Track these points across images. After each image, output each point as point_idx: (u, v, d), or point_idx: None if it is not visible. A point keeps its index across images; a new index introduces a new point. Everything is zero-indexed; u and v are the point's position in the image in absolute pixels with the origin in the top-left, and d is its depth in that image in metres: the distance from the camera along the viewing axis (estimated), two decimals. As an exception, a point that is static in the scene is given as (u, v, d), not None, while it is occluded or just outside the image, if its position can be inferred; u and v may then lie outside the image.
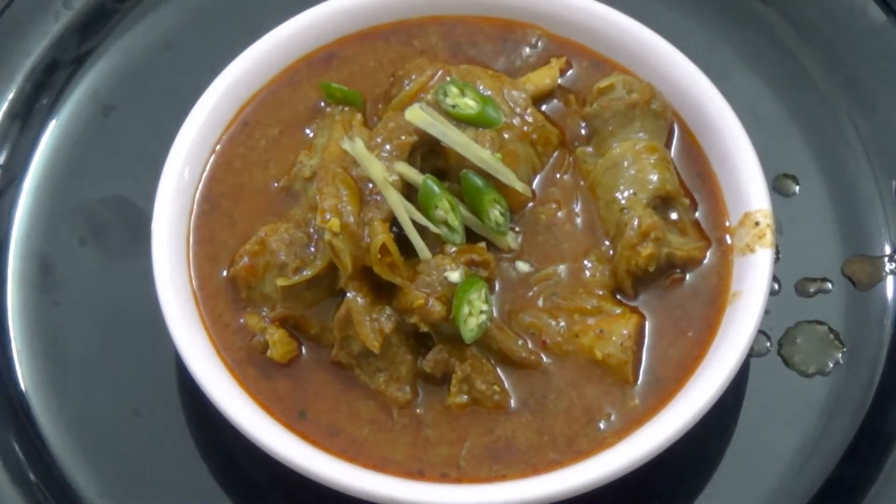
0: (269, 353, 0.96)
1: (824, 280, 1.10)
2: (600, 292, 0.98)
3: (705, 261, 1.00)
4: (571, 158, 1.05)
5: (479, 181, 0.97)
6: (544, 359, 0.96)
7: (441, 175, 0.97)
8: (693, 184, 1.04)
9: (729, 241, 1.00)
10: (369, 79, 1.08)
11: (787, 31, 1.23)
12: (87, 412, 1.05)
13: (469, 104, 0.98)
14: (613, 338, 0.94)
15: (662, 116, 1.03)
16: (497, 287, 0.98)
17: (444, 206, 0.94)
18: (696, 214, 1.02)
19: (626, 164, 1.00)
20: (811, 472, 1.02)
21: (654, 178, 0.99)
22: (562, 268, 0.99)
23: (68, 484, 1.02)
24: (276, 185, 1.04)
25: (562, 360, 0.96)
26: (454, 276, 0.93)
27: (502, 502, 0.89)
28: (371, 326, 0.92)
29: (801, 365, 1.07)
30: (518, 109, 1.02)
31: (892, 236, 1.12)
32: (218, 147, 1.05)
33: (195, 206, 1.03)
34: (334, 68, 1.09)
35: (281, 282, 0.95)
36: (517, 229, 1.01)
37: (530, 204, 1.02)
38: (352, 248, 0.92)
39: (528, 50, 1.10)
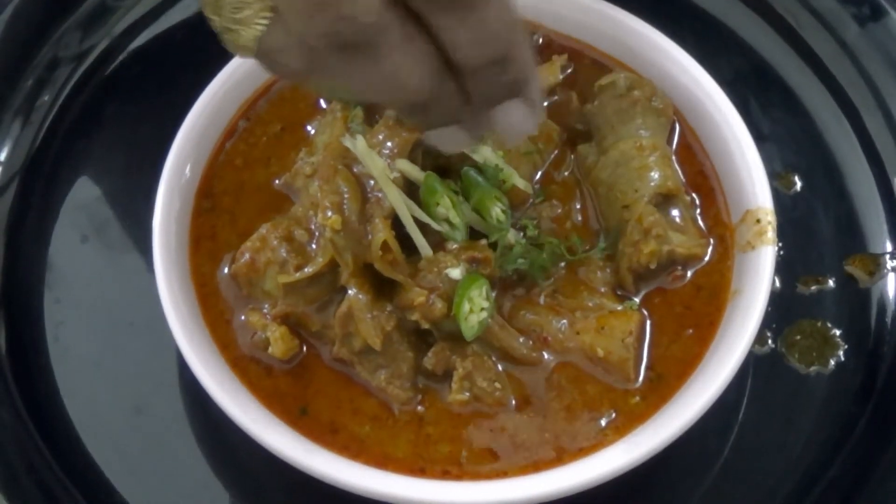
0: (270, 350, 0.96)
1: (825, 277, 1.10)
2: (602, 289, 0.98)
3: (706, 258, 1.00)
4: (573, 156, 1.05)
5: (480, 178, 0.97)
6: (546, 356, 0.96)
7: (442, 172, 0.97)
8: (694, 181, 1.04)
9: (730, 238, 1.00)
10: (371, 76, 1.08)
11: (789, 30, 1.24)
12: (88, 409, 1.05)
13: (470, 101, 0.98)
14: (615, 335, 0.94)
15: (664, 114, 1.03)
16: (498, 284, 0.98)
17: (446, 204, 0.94)
18: (698, 212, 1.02)
19: (627, 161, 1.00)
20: (811, 470, 1.02)
21: (656, 175, 0.99)
22: (563, 265, 0.99)
23: (69, 481, 1.02)
24: (277, 182, 1.04)
25: (563, 358, 0.96)
26: (455, 273, 0.93)
27: (503, 500, 0.89)
28: (372, 323, 0.92)
29: (802, 362, 1.07)
30: (519, 107, 1.02)
31: (893, 234, 1.12)
32: (219, 144, 1.05)
33: (196, 204, 1.03)
34: (335, 65, 1.09)
35: (282, 279, 0.95)
36: (518, 226, 1.01)
37: (531, 201, 1.02)
38: (353, 246, 0.92)
39: (529, 47, 1.10)
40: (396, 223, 0.94)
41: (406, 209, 0.93)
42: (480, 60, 0.74)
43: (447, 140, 0.81)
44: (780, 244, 1.06)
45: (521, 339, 0.96)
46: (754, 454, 1.03)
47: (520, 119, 0.79)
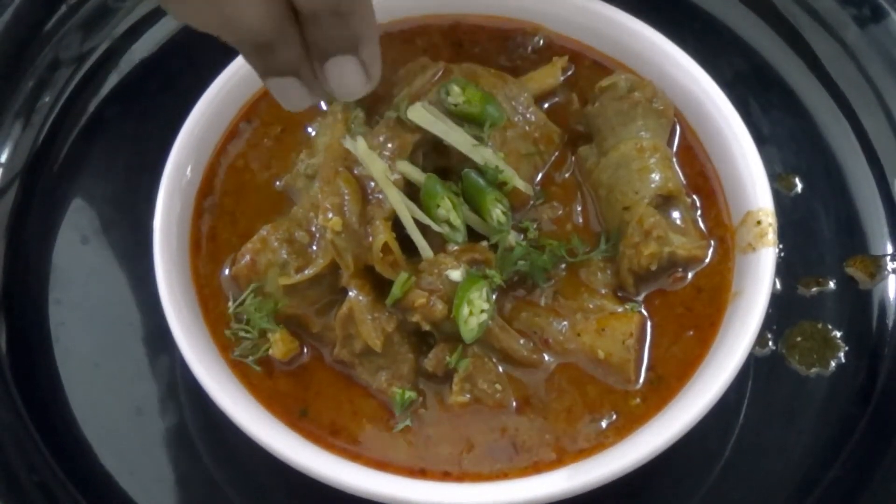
0: (270, 351, 0.96)
1: (826, 279, 1.10)
2: (602, 291, 0.98)
3: (707, 260, 1.00)
4: (573, 157, 1.05)
5: (481, 180, 0.97)
6: (546, 357, 0.96)
7: (443, 174, 0.97)
8: (695, 183, 1.04)
9: (731, 239, 1.00)
10: (371, 77, 1.08)
11: (789, 31, 1.24)
12: (88, 410, 1.05)
13: (471, 103, 0.98)
14: (616, 336, 0.94)
15: (664, 115, 1.03)
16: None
17: (446, 205, 0.94)
18: (698, 213, 1.02)
19: (628, 162, 1.00)
20: (812, 472, 1.02)
21: (656, 176, 0.99)
22: (563, 267, 0.99)
23: (69, 481, 1.02)
24: (277, 183, 1.04)
25: (564, 359, 0.96)
26: (455, 274, 0.93)
27: (504, 501, 0.89)
28: (373, 325, 0.92)
29: (803, 364, 1.07)
30: (520, 108, 1.02)
31: (894, 235, 1.12)
32: (220, 145, 1.05)
33: (197, 205, 1.03)
34: (336, 66, 1.09)
35: (283, 280, 0.95)
36: (519, 228, 1.01)
37: (532, 203, 1.02)
38: (353, 247, 0.92)
39: (530, 49, 1.10)
40: (397, 225, 0.94)
41: (406, 211, 0.93)
42: (318, 6, 0.77)
43: (287, 94, 0.84)
44: (781, 246, 1.06)
45: (521, 341, 0.96)
46: (755, 456, 1.03)
47: (350, 76, 0.82)
